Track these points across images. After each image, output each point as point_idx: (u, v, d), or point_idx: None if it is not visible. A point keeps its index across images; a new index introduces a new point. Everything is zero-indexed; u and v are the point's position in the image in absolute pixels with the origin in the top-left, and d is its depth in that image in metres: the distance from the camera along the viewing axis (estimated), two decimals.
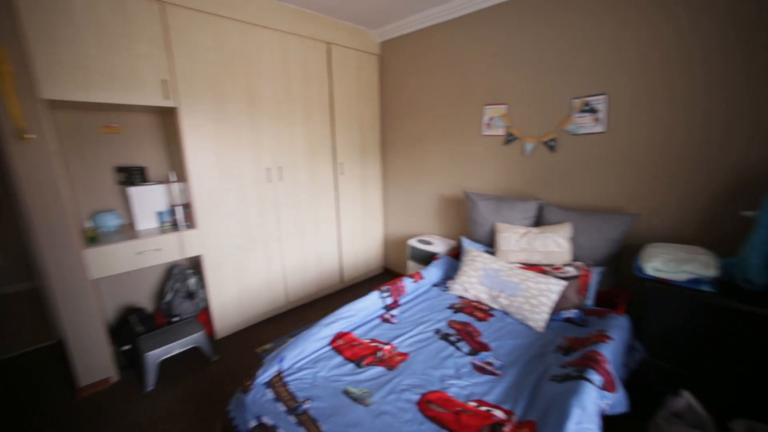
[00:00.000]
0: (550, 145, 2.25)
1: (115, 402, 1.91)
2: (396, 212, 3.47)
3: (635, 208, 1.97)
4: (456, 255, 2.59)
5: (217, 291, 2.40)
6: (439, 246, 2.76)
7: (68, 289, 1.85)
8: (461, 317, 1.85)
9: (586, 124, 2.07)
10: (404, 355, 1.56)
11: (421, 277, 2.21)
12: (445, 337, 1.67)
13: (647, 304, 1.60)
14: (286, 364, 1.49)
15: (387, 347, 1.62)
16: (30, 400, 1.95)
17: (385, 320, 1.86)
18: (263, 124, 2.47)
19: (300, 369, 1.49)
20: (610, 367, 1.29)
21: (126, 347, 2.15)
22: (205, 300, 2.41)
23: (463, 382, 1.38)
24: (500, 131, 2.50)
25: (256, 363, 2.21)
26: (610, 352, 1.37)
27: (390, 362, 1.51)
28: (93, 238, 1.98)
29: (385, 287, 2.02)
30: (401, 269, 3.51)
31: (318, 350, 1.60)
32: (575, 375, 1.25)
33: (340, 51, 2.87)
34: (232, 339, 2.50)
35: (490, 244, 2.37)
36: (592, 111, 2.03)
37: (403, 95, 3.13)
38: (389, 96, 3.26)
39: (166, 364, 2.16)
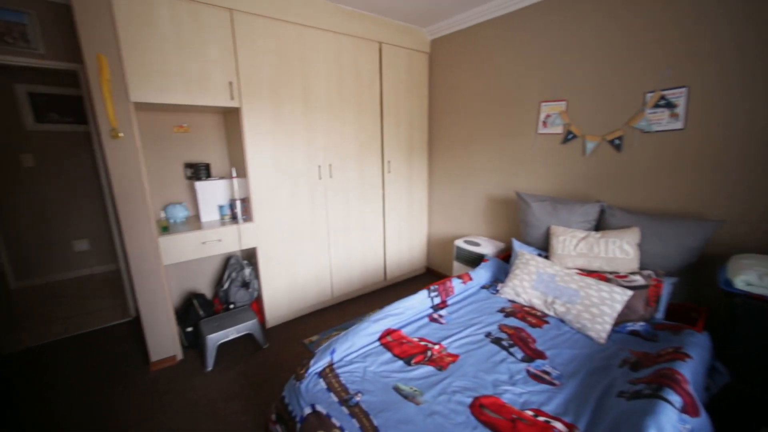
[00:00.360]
0: (616, 144, 2.08)
1: (180, 378, 2.09)
2: (441, 212, 3.42)
3: (716, 214, 1.77)
4: (505, 257, 2.50)
5: (269, 282, 2.53)
6: (487, 247, 2.68)
7: (145, 272, 2.05)
8: (513, 322, 1.78)
9: (661, 121, 1.89)
10: (454, 356, 1.53)
11: (470, 279, 2.16)
12: (496, 341, 1.62)
13: (735, 321, 1.42)
14: (336, 357, 1.53)
15: (436, 347, 1.60)
16: (113, 369, 2.19)
17: (434, 320, 1.85)
18: (316, 123, 2.56)
19: (350, 362, 1.52)
20: (690, 388, 1.16)
21: (189, 329, 2.34)
22: (258, 290, 2.55)
23: (518, 389, 1.33)
24: (557, 129, 2.37)
25: (304, 353, 2.31)
26: (689, 371, 1.24)
27: (440, 362, 1.50)
28: (165, 228, 2.18)
29: (433, 287, 2.00)
30: (445, 270, 3.46)
31: (367, 345, 1.63)
32: (649, 393, 1.15)
33: (391, 50, 2.89)
34: (281, 329, 2.62)
35: (543, 248, 2.25)
36: (670, 106, 1.85)
37: (452, 93, 3.08)
38: (438, 94, 3.22)
39: (223, 348, 2.31)
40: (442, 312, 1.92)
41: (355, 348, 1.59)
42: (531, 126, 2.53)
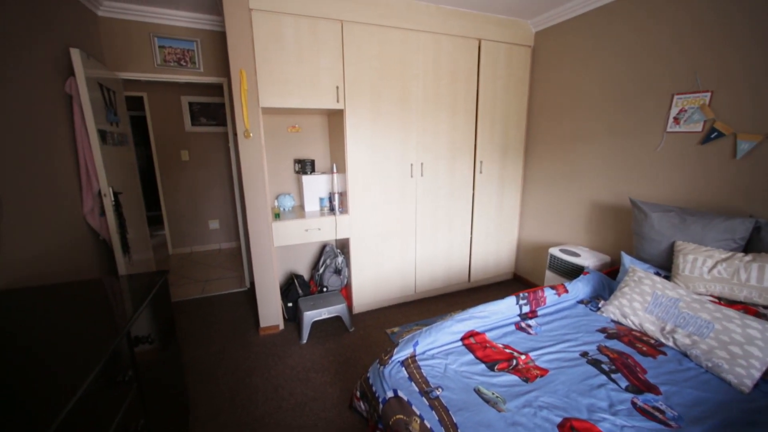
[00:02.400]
0: None
1: (281, 344, 2.42)
2: (534, 216, 3.19)
3: None
4: (610, 272, 2.21)
5: (359, 271, 2.73)
6: (587, 259, 2.41)
7: (260, 251, 2.43)
8: (617, 345, 1.57)
9: None
10: (543, 370, 1.44)
11: (566, 291, 1.98)
12: (594, 362, 1.46)
13: None
14: (419, 349, 1.59)
15: (523, 357, 1.53)
16: (232, 327, 2.66)
17: (521, 328, 1.76)
18: (411, 122, 2.65)
19: (432, 357, 1.56)
20: None
21: (290, 304, 2.69)
22: (348, 277, 2.78)
23: (619, 421, 1.19)
24: (695, 127, 1.98)
25: (386, 341, 2.43)
26: None
27: (526, 374, 1.43)
28: (277, 215, 2.54)
29: (523, 294, 1.90)
30: (535, 278, 3.22)
31: (449, 343, 1.64)
32: None
33: (490, 46, 2.79)
34: (365, 316, 2.80)
35: (662, 266, 1.93)
36: None
37: (556, 89, 2.83)
38: (539, 90, 2.99)
39: (316, 325, 2.60)
40: (531, 322, 1.82)
41: (438, 344, 1.62)
42: (657, 123, 2.16)
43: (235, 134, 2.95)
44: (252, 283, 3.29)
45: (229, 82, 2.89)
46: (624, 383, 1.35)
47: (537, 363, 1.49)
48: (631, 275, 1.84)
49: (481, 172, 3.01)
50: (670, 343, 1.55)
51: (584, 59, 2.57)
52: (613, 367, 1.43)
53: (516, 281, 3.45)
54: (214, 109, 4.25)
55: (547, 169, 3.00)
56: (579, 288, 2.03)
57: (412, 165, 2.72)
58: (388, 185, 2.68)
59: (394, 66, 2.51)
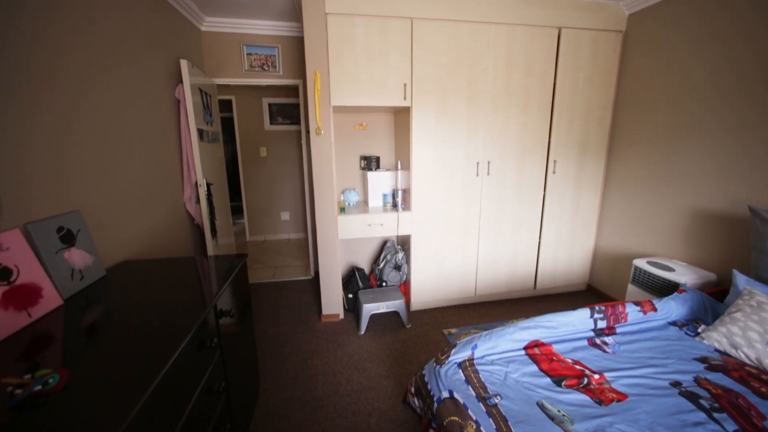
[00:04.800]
0: None
1: (341, 333, 2.54)
2: (616, 223, 2.84)
3: None
4: (714, 293, 1.88)
5: (418, 268, 2.73)
6: (684, 275, 2.07)
7: (325, 243, 2.57)
8: (722, 380, 1.33)
9: None
10: (621, 394, 1.28)
11: (653, 309, 1.74)
12: (690, 396, 1.26)
13: None
14: (478, 353, 1.53)
15: (596, 376, 1.38)
16: (297, 312, 2.87)
17: (595, 345, 1.59)
18: (478, 119, 2.55)
19: (491, 362, 1.49)
20: None
21: (350, 295, 2.80)
22: (408, 274, 2.80)
23: None
24: None
25: (442, 341, 2.40)
26: None
27: (599, 395, 1.29)
28: (342, 209, 2.65)
29: (599, 307, 1.71)
30: (612, 292, 2.88)
31: (511, 351, 1.56)
32: None
33: (572, 34, 2.55)
34: (423, 314, 2.79)
35: None
36: None
37: (652, 79, 2.48)
38: (632, 81, 2.65)
39: (374, 318, 2.66)
40: (608, 339, 1.63)
41: (498, 350, 1.55)
42: None
43: (307, 132, 3.16)
44: (316, 273, 3.50)
45: (305, 83, 3.10)
46: (731, 426, 1.14)
47: (613, 385, 1.34)
48: (746, 299, 1.55)
49: (554, 172, 2.78)
50: None
51: (694, 41, 2.21)
52: (717, 405, 1.22)
53: (589, 293, 3.13)
54: (290, 109, 4.59)
55: (636, 169, 2.65)
56: (671, 307, 1.76)
57: (478, 163, 2.62)
58: (453, 183, 2.62)
59: (463, 61, 2.44)
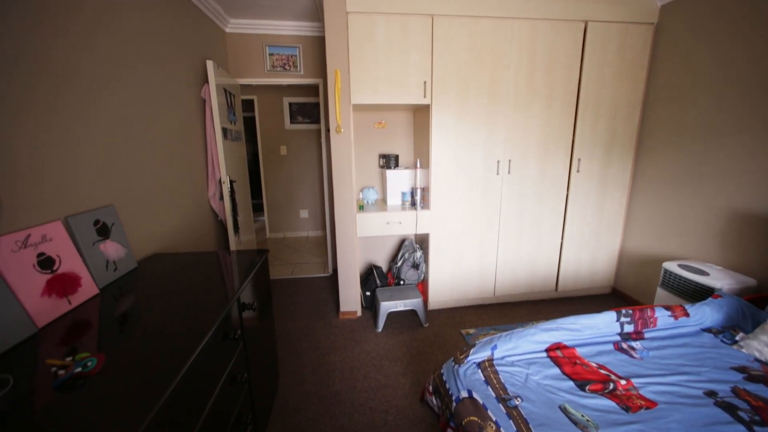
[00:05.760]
0: None
1: (358, 330, 2.56)
2: (644, 224, 2.73)
3: None
4: (754, 299, 1.78)
5: (436, 267, 2.71)
6: (720, 279, 1.97)
7: (344, 240, 2.59)
8: (763, 391, 1.26)
9: None
10: (650, 402, 1.23)
11: (686, 314, 1.66)
12: (727, 407, 1.19)
13: None
14: (498, 354, 1.51)
15: (622, 382, 1.33)
16: (315, 309, 2.91)
17: (621, 350, 1.54)
18: (499, 116, 2.51)
19: (512, 363, 1.47)
20: None
21: (368, 293, 2.82)
22: (426, 273, 2.78)
23: None
24: None
25: (460, 341, 2.38)
26: None
27: (626, 401, 1.24)
28: (361, 207, 2.67)
29: (626, 311, 1.65)
30: (639, 295, 2.77)
31: (532, 352, 1.53)
32: None
33: (599, 28, 2.46)
34: (440, 313, 2.77)
35: None
36: None
37: (687, 72, 2.36)
38: (663, 75, 2.53)
39: (392, 316, 2.67)
40: (635, 344, 1.57)
41: (519, 351, 1.52)
42: None
43: (327, 130, 3.19)
44: (335, 270, 3.54)
45: (325, 82, 3.13)
46: None
47: (642, 392, 1.29)
48: None
49: (578, 171, 2.69)
50: None
51: (734, 31, 2.08)
52: (757, 417, 1.15)
53: (614, 296, 3.02)
54: (310, 108, 4.66)
55: (666, 168, 2.53)
56: (705, 313, 1.68)
57: (498, 162, 2.57)
58: (472, 182, 2.59)
59: (484, 58, 2.40)
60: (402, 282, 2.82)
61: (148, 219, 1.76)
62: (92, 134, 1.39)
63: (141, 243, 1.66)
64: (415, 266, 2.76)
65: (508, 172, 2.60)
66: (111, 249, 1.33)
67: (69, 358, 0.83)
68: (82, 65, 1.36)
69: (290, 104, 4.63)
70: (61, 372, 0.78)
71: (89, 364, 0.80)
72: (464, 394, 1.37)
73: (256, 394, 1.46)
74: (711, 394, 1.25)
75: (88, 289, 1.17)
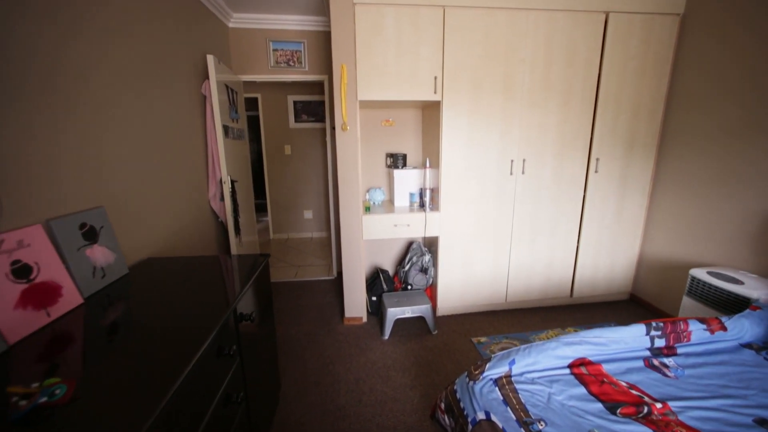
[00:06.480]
0: None
1: (363, 337, 2.44)
2: (667, 227, 2.57)
3: None
4: None
5: (446, 272, 2.58)
6: (756, 288, 1.81)
7: (349, 243, 2.48)
8: None
9: None
10: (692, 430, 1.10)
11: (722, 328, 1.52)
12: None
13: None
14: (516, 370, 1.38)
15: (658, 405, 1.20)
16: (319, 313, 2.80)
17: (653, 367, 1.40)
18: (513, 114, 2.38)
19: (532, 381, 1.34)
20: None
21: (374, 298, 2.70)
22: (434, 277, 2.66)
23: None
24: None
25: (471, 350, 2.25)
26: None
27: (665, 429, 1.11)
28: (368, 208, 2.55)
29: (657, 323, 1.51)
30: (660, 303, 2.62)
31: (554, 369, 1.40)
32: None
33: (621, 19, 2.32)
34: (450, 320, 2.65)
35: None
36: None
37: (716, 67, 2.21)
38: (689, 70, 2.38)
39: (399, 323, 2.55)
40: (668, 361, 1.44)
41: (539, 367, 1.40)
42: None
43: (332, 128, 3.08)
44: (339, 273, 3.43)
45: (330, 79, 3.02)
46: None
47: (681, 418, 1.15)
48: None
49: (596, 171, 2.55)
50: None
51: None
52: None
53: (633, 303, 2.86)
54: (314, 106, 4.55)
55: (692, 169, 2.38)
56: (744, 326, 1.53)
57: (512, 161, 2.44)
58: (484, 183, 2.46)
59: (498, 52, 2.27)
60: (409, 287, 2.70)
61: (142, 221, 1.67)
62: (80, 129, 1.30)
63: (134, 247, 1.57)
64: (424, 270, 2.64)
65: (522, 173, 2.47)
66: (99, 254, 1.23)
67: (35, 384, 0.72)
68: (70, 55, 1.26)
69: (295, 102, 4.54)
70: (23, 402, 0.67)
71: (57, 392, 0.70)
72: (481, 415, 1.25)
73: (254, 413, 1.35)
74: (762, 422, 1.12)
75: (70, 299, 1.07)
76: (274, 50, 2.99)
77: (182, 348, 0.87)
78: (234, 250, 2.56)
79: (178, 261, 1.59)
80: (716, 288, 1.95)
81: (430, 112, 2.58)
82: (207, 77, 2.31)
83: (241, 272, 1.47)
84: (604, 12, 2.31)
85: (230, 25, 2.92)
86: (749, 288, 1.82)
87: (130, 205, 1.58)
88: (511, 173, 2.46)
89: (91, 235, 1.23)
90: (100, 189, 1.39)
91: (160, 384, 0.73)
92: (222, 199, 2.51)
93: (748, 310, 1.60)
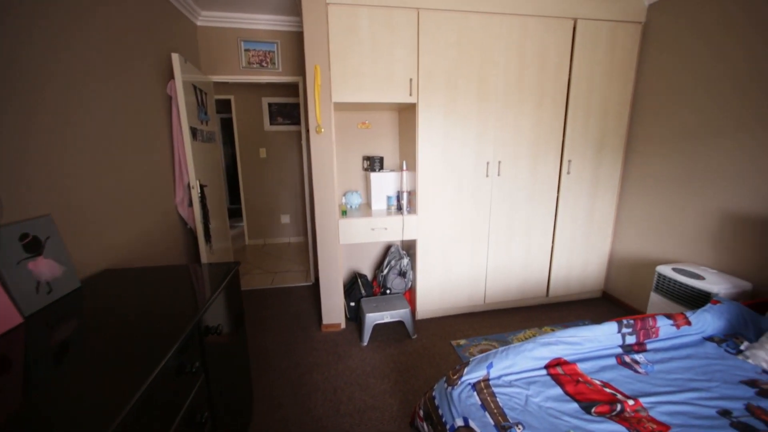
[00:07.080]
0: None
1: (342, 344, 2.38)
2: (635, 226, 2.68)
3: None
4: (753, 304, 1.71)
5: (424, 275, 2.57)
6: (716, 283, 1.91)
7: (326, 248, 2.42)
8: None
9: None
10: (662, 425, 1.12)
11: (687, 323, 1.58)
12: (744, 428, 1.09)
13: None
14: (494, 373, 1.38)
15: (630, 402, 1.22)
16: (296, 321, 2.71)
17: (624, 364, 1.43)
18: (488, 116, 2.40)
19: (509, 384, 1.34)
20: None
21: (352, 303, 2.65)
22: (413, 281, 2.64)
23: None
24: None
25: (451, 353, 2.24)
26: None
27: (637, 425, 1.13)
28: (344, 212, 2.50)
29: (627, 321, 1.55)
30: (631, 300, 2.71)
31: (531, 370, 1.40)
32: None
33: (589, 26, 2.40)
34: (429, 323, 2.63)
35: None
36: None
37: (675, 72, 2.32)
38: (652, 75, 2.49)
39: (378, 328, 2.51)
40: (638, 357, 1.47)
41: (516, 369, 1.39)
42: None
43: (307, 131, 3.01)
44: (317, 279, 3.35)
45: (305, 80, 2.95)
46: None
47: (652, 413, 1.17)
48: None
49: (568, 173, 2.62)
50: None
51: (722, 32, 2.05)
52: None
53: (605, 301, 2.96)
54: (290, 108, 4.46)
55: (657, 169, 2.48)
56: (707, 320, 1.60)
57: (488, 163, 2.47)
58: (461, 185, 2.47)
59: (473, 55, 2.29)
60: (388, 291, 2.67)
61: (99, 230, 1.55)
62: (22, 129, 1.18)
63: (89, 258, 1.45)
64: (402, 274, 2.62)
65: (498, 174, 2.50)
66: (44, 267, 1.12)
67: None
68: (23, 51, 1.15)
69: (269, 104, 4.43)
70: None
71: None
72: (459, 422, 1.23)
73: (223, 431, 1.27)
74: (725, 413, 1.15)
75: (7, 319, 0.97)
76: (246, 50, 2.90)
77: (134, 369, 0.80)
78: (204, 258, 2.45)
79: (138, 272, 1.49)
80: (680, 284, 2.03)
81: (406, 114, 2.57)
82: (172, 77, 2.20)
83: (207, 282, 1.39)
84: (572, 18, 2.38)
85: (198, 23, 2.81)
86: (710, 283, 1.91)
87: (85, 212, 1.46)
88: (487, 175, 2.48)
89: (34, 247, 1.12)
90: (48, 196, 1.27)
91: (107, 412, 0.66)
92: (190, 204, 2.39)
93: (709, 305, 1.67)
